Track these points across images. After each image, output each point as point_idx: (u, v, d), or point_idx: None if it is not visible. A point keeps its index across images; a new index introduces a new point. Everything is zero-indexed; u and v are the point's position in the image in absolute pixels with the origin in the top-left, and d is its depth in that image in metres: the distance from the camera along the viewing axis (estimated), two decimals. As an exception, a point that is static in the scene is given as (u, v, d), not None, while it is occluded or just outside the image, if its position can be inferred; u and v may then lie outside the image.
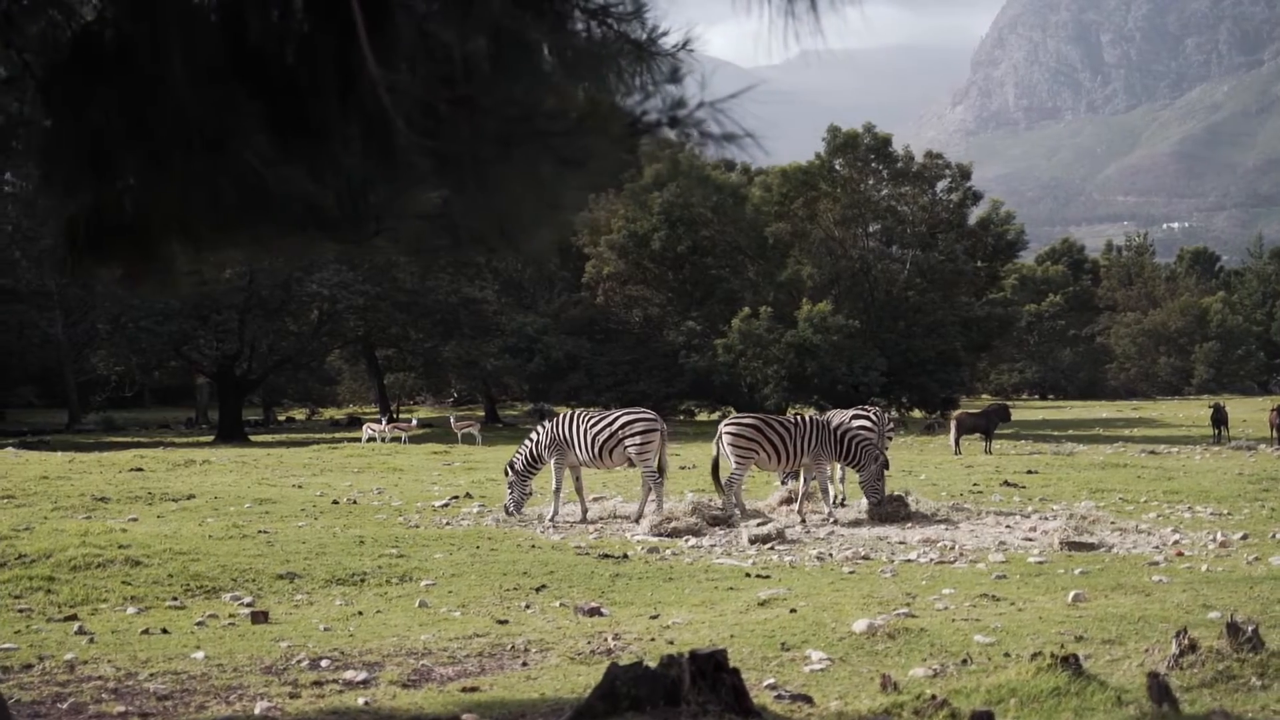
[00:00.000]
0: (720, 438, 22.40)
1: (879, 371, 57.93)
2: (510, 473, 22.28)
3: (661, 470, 22.24)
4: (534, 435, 22.70)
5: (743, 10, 5.60)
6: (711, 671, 7.88)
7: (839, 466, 23.72)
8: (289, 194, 5.22)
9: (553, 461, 22.24)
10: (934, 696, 8.30)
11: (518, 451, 22.69)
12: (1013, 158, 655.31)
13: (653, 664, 8.01)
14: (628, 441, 21.93)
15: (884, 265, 65.58)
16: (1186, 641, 9.32)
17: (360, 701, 9.21)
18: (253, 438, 58.23)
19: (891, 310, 63.39)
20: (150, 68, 4.82)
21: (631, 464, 22.48)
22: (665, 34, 6.34)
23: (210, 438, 58.78)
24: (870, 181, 65.07)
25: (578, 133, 4.66)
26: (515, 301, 72.44)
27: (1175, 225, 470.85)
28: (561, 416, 22.99)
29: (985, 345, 69.64)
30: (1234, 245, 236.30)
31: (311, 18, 4.85)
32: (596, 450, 22.04)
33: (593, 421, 22.33)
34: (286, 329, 63.34)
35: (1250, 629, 9.26)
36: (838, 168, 64.44)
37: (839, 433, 22.13)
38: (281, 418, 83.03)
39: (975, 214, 67.43)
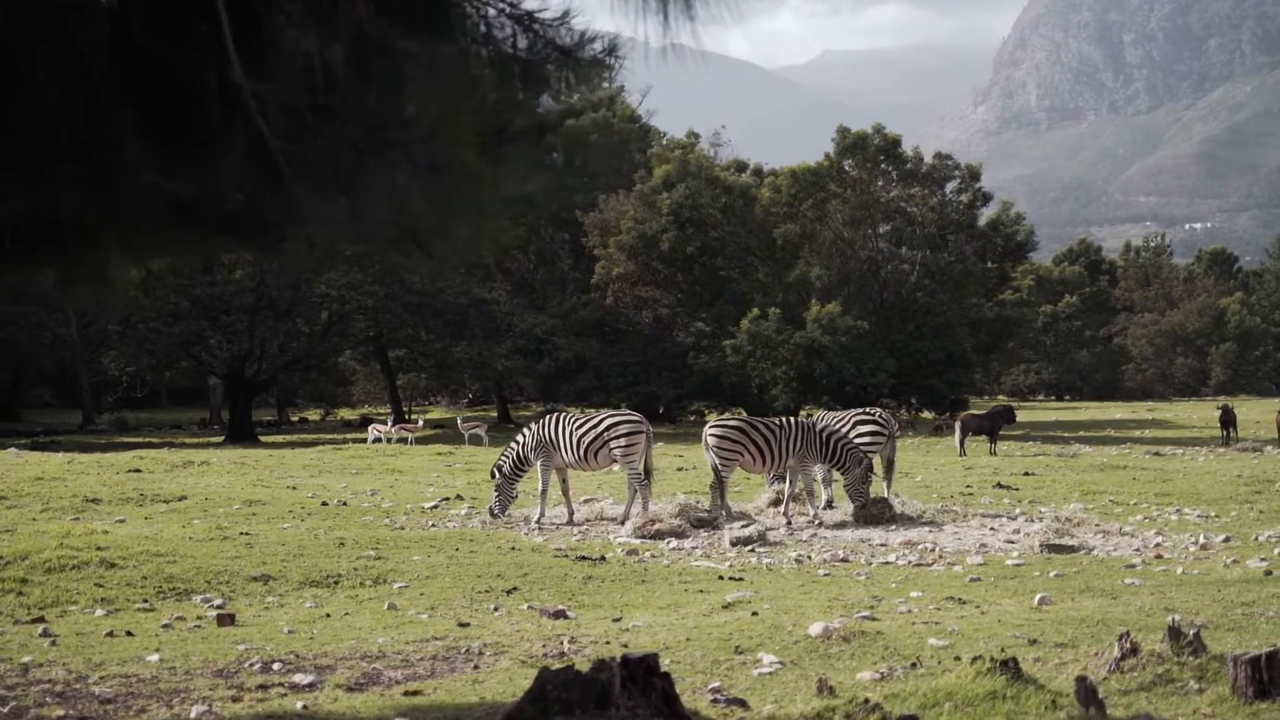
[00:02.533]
0: (705, 440, 22.40)
1: (887, 373, 57.77)
2: (497, 475, 22.31)
3: (648, 472, 22.28)
4: (520, 437, 22.76)
5: (620, 13, 5.60)
6: (642, 676, 7.86)
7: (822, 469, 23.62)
8: (189, 200, 5.24)
9: (539, 464, 22.28)
10: (866, 700, 8.28)
11: (503, 454, 22.72)
12: (1034, 158, 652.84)
13: (584, 668, 8.02)
14: (613, 443, 21.97)
15: (893, 266, 65.49)
16: (1129, 645, 9.31)
17: (299, 705, 9.22)
18: (263, 438, 58.34)
19: (901, 311, 63.25)
20: (20, 72, 4.84)
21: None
22: (593, 39, 6.38)
23: (221, 438, 58.96)
24: (879, 182, 64.93)
25: (430, 141, 4.67)
26: (528, 302, 72.48)
27: (1198, 226, 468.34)
28: (547, 419, 23.04)
29: (994, 346, 69.34)
30: (1256, 246, 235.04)
31: (187, 25, 4.86)
32: (582, 452, 22.08)
33: (578, 424, 22.40)
34: (297, 330, 63.41)
35: (1192, 632, 9.23)
36: (847, 168, 64.34)
37: (824, 435, 22.11)
38: (295, 418, 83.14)
39: (986, 215, 67.20)
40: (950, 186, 65.93)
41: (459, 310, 62.07)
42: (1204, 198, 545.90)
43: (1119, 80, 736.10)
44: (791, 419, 23.01)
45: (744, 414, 54.94)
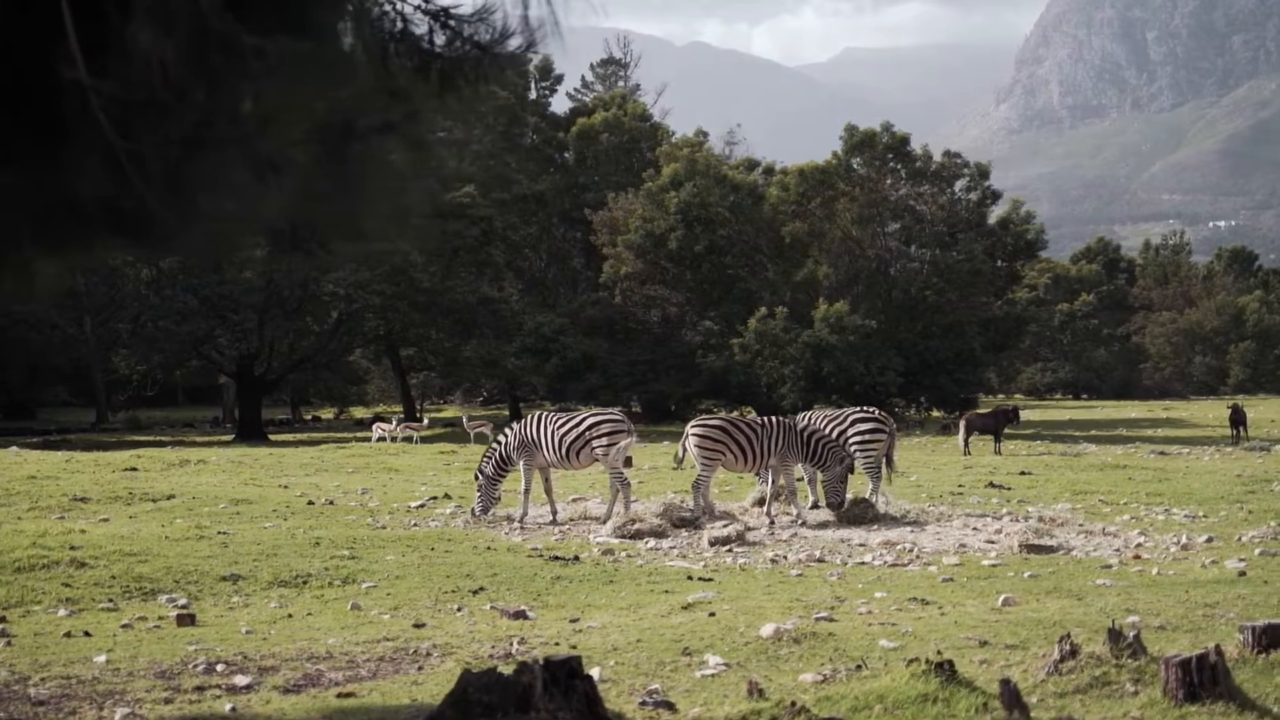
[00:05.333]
0: (687, 439, 22.31)
1: (896, 371, 57.63)
2: (480, 477, 22.27)
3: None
4: (503, 437, 22.73)
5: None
6: (564, 678, 7.80)
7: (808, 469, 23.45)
8: (77, 200, 5.18)
9: (521, 463, 22.24)
10: (793, 703, 8.21)
11: (486, 455, 22.68)
12: (1057, 156, 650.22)
13: (508, 670, 7.95)
14: (595, 443, 21.91)
15: (902, 265, 65.30)
16: (1068, 647, 9.23)
17: (227, 708, 9.17)
18: (273, 437, 58.47)
19: (909, 310, 63.07)
20: None
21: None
22: (511, 35, 6.33)
23: (232, 437, 59.16)
24: (888, 181, 64.74)
25: (263, 138, 4.58)
26: (539, 301, 72.60)
27: (1221, 224, 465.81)
28: (530, 418, 23.01)
29: (1004, 345, 69.15)
30: None
31: (37, 19, 4.79)
32: (564, 451, 22.02)
33: (560, 423, 22.35)
34: (307, 328, 63.59)
35: (1131, 635, 9.16)
36: (855, 167, 64.19)
37: (805, 434, 22.00)
38: (308, 417, 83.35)
39: (996, 213, 66.87)
40: (959, 185, 65.73)
41: (467, 309, 62.12)
42: (1228, 195, 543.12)
43: (1142, 78, 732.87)
44: (773, 418, 22.88)
45: (754, 413, 54.94)
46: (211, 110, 4.64)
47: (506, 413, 73.17)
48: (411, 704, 9.17)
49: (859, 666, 10.11)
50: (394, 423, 51.76)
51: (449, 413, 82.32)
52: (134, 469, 30.90)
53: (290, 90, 4.91)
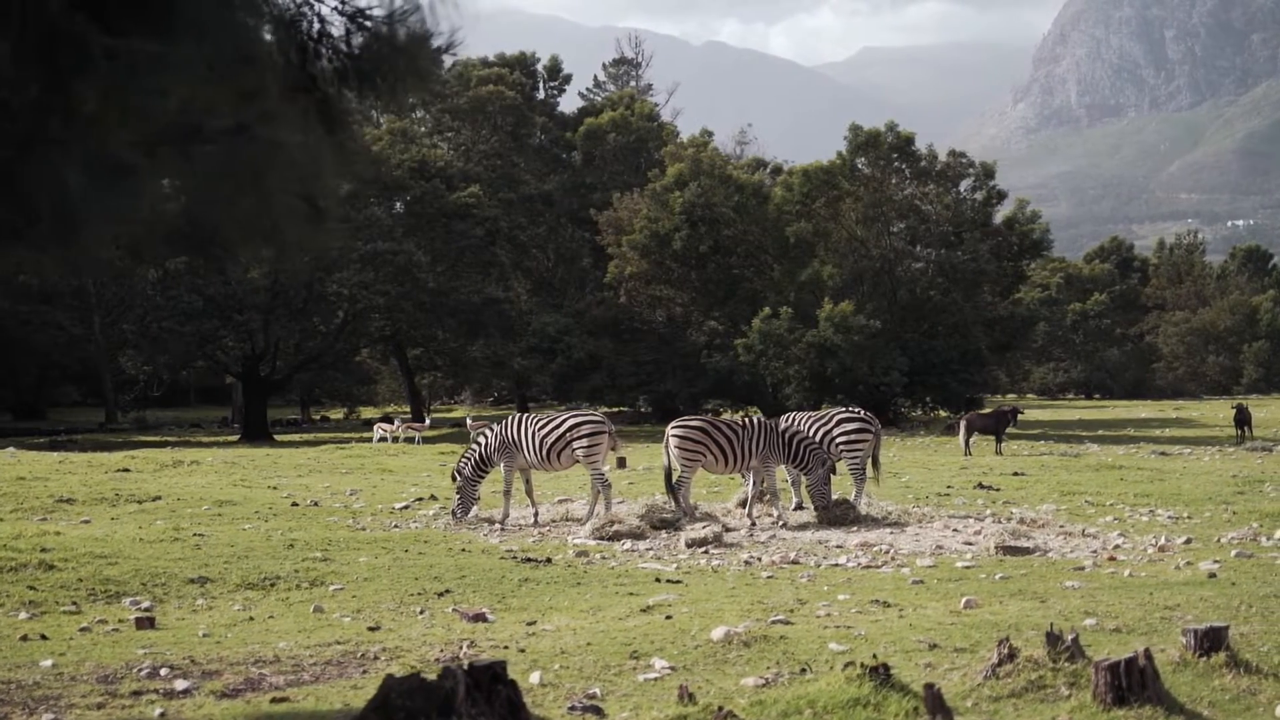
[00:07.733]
0: (667, 441, 22.20)
1: (900, 371, 57.36)
2: (458, 478, 22.24)
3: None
4: (482, 438, 22.68)
5: None
6: (488, 683, 7.77)
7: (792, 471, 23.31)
8: None
9: (502, 464, 22.20)
10: (720, 708, 8.17)
11: (464, 456, 22.63)
12: (1075, 155, 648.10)
13: (431, 675, 7.91)
14: (575, 444, 21.87)
15: (907, 265, 65.01)
16: (1006, 650, 9.18)
17: (157, 713, 9.12)
18: (279, 437, 58.53)
19: (914, 310, 62.74)
20: None
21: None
22: (429, 36, 6.31)
23: (237, 437, 59.24)
24: (893, 180, 64.44)
25: (100, 139, 4.53)
26: (548, 301, 72.64)
27: (1240, 223, 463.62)
28: (511, 419, 22.99)
29: (1009, 345, 68.83)
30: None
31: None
32: (544, 453, 21.98)
33: (541, 424, 22.30)
34: (314, 328, 63.66)
35: (1070, 639, 9.11)
36: (860, 166, 63.93)
37: (786, 435, 21.90)
38: (317, 417, 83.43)
39: (1002, 213, 66.50)
40: (965, 184, 65.40)
41: (472, 309, 62.15)
42: (1247, 194, 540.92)
43: (1160, 76, 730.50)
44: (754, 419, 22.77)
45: (759, 413, 54.77)
46: (48, 109, 4.59)
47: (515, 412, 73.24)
48: (343, 709, 9.11)
49: (803, 670, 10.07)
50: (396, 423, 51.71)
51: (459, 412, 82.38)
52: (126, 470, 30.92)
53: (141, 92, 4.85)
